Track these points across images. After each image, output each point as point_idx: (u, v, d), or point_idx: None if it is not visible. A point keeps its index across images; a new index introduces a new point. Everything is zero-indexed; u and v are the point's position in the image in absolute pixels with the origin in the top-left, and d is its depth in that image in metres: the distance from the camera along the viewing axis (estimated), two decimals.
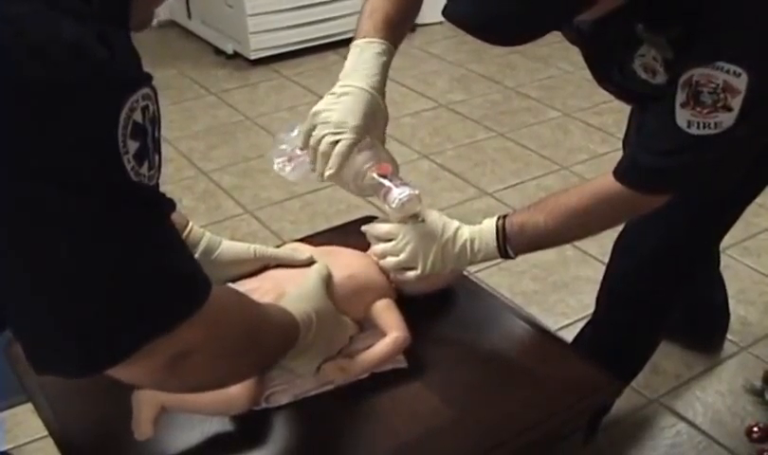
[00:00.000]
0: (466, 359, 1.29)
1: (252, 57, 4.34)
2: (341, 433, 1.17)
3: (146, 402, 1.11)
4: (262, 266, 1.32)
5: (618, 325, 1.80)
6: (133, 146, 0.73)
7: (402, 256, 1.33)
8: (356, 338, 1.26)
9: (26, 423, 1.97)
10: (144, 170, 0.75)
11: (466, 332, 1.36)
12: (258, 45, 4.32)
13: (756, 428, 1.94)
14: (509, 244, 1.37)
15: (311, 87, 4.10)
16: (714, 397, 2.18)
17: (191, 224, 1.28)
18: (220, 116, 3.83)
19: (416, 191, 1.31)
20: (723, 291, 2.23)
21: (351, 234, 1.48)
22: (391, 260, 1.34)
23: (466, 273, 1.45)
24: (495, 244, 1.37)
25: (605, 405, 1.83)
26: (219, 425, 1.16)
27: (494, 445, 1.14)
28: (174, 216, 1.23)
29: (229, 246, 1.31)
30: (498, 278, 2.55)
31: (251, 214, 3.01)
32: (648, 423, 2.10)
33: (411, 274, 1.34)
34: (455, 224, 1.39)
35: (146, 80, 0.76)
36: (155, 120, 0.77)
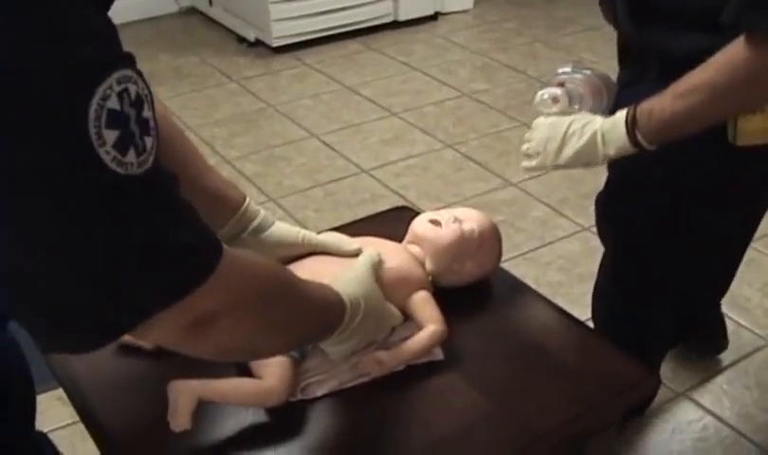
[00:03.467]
0: (503, 352, 1.28)
1: (275, 44, 4.34)
2: (377, 425, 1.16)
3: (183, 393, 1.10)
4: (307, 252, 1.31)
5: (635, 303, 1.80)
6: (111, 136, 0.69)
7: (526, 145, 1.44)
8: (397, 330, 1.25)
9: (49, 411, 1.98)
10: (131, 157, 0.71)
11: (502, 325, 1.35)
12: (280, 33, 4.32)
13: None
14: (639, 130, 1.32)
15: (333, 75, 4.10)
16: (741, 391, 2.17)
17: (248, 200, 1.28)
18: (242, 103, 3.83)
19: (551, 91, 1.43)
20: (719, 295, 2.17)
21: (384, 225, 1.47)
22: (522, 146, 1.46)
23: (501, 265, 1.44)
24: (625, 132, 1.32)
25: (646, 399, 1.83)
26: (255, 416, 1.16)
27: (531, 440, 1.13)
28: (232, 191, 1.26)
29: (280, 228, 1.30)
30: (524, 268, 2.54)
31: (275, 202, 3.01)
32: (675, 416, 2.09)
33: (526, 163, 1.46)
34: (590, 119, 1.38)
35: (120, 61, 0.71)
36: (141, 101, 0.73)
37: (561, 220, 2.88)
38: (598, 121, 1.37)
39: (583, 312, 2.38)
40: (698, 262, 1.73)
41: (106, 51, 0.71)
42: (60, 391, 1.31)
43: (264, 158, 3.32)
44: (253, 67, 4.23)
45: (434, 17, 4.79)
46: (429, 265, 1.34)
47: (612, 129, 1.34)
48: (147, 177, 0.74)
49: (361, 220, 1.69)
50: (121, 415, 1.20)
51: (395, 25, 4.65)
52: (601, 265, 1.84)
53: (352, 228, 1.46)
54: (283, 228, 1.32)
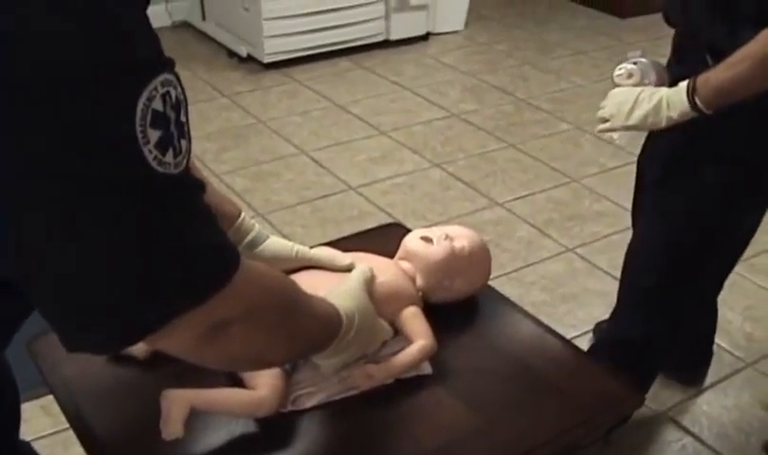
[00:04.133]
0: (491, 369, 1.30)
1: (266, 61, 4.37)
2: (365, 438, 1.17)
3: (176, 402, 1.12)
4: (300, 267, 1.33)
5: (637, 323, 1.86)
6: (154, 135, 0.72)
7: (601, 111, 1.64)
8: (388, 344, 1.27)
9: (32, 420, 1.98)
10: (169, 158, 0.74)
11: (490, 341, 1.37)
12: (272, 49, 4.35)
13: None
14: (698, 96, 1.51)
15: (323, 92, 4.13)
16: (720, 412, 2.21)
17: (243, 215, 1.30)
18: (233, 118, 3.86)
19: (625, 68, 1.65)
20: (713, 327, 2.25)
21: (375, 241, 1.49)
22: (598, 113, 1.67)
23: (489, 283, 1.47)
24: (686, 97, 1.52)
25: (626, 417, 1.87)
26: (245, 426, 1.17)
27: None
28: (227, 205, 1.28)
29: (273, 243, 1.33)
30: (508, 288, 2.57)
31: (263, 217, 3.03)
32: (655, 436, 2.12)
33: (600, 126, 1.65)
34: (658, 89, 1.59)
35: (165, 64, 0.74)
36: (179, 105, 0.75)
37: (546, 241, 2.91)
38: (664, 90, 1.58)
39: (566, 332, 2.41)
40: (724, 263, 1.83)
41: (153, 53, 0.74)
42: (42, 401, 1.32)
43: (252, 174, 3.34)
44: (244, 83, 4.26)
45: (425, 37, 4.83)
46: (419, 281, 1.36)
47: (675, 95, 1.54)
48: (181, 179, 0.76)
49: (353, 236, 1.71)
50: (113, 423, 1.21)
51: (386, 44, 4.69)
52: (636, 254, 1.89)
53: (343, 244, 1.48)
54: (277, 243, 1.34)
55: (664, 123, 1.57)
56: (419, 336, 1.27)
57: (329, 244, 1.49)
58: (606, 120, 1.65)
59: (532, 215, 3.06)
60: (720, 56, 1.51)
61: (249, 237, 1.31)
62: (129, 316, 0.79)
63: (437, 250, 1.37)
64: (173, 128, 0.74)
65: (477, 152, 3.54)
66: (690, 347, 2.22)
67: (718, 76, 1.50)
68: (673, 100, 1.55)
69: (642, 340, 1.84)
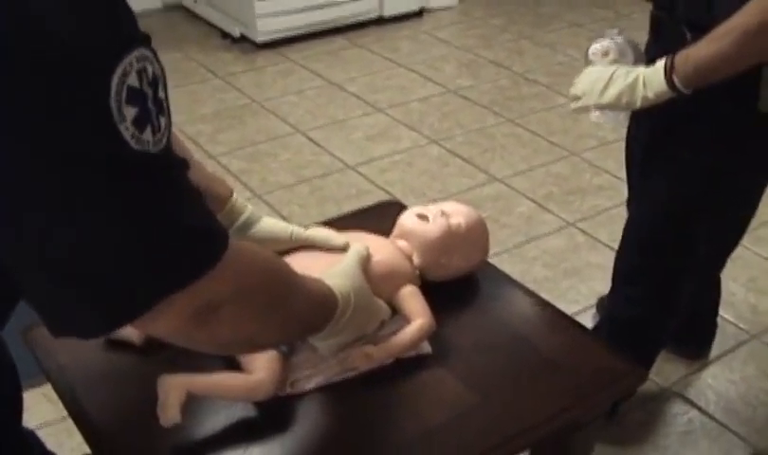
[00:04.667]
0: (491, 346, 1.28)
1: (259, 40, 4.33)
2: (366, 419, 1.16)
3: (173, 387, 1.10)
4: (295, 247, 1.31)
5: (630, 302, 1.84)
6: (131, 112, 0.69)
7: (574, 88, 1.60)
8: (386, 324, 1.25)
9: (35, 407, 1.97)
10: (147, 135, 0.71)
11: (490, 319, 1.35)
12: (265, 28, 4.31)
13: None
14: (676, 74, 1.45)
15: (318, 71, 4.09)
16: (726, 385, 2.19)
17: (234, 195, 1.28)
18: (227, 99, 3.82)
19: (601, 45, 1.60)
20: (716, 302, 2.23)
21: (372, 219, 1.47)
22: (570, 90, 1.62)
23: (489, 259, 1.45)
24: (663, 75, 1.46)
25: (630, 392, 1.85)
26: (244, 411, 1.16)
27: (518, 432, 1.14)
28: (218, 186, 1.25)
29: (268, 224, 1.31)
30: (509, 265, 2.54)
31: (260, 198, 3.00)
32: (660, 410, 2.11)
33: (573, 104, 1.61)
34: (634, 68, 1.53)
35: (139, 39, 0.71)
36: (157, 81, 0.73)
37: (546, 215, 2.89)
38: (641, 68, 1.51)
39: (568, 307, 2.40)
40: (718, 239, 1.78)
41: (127, 28, 0.71)
42: (45, 389, 1.30)
43: (249, 154, 3.31)
44: (238, 63, 4.22)
45: (419, 13, 4.79)
46: (416, 260, 1.34)
47: (653, 73, 1.48)
48: (161, 157, 0.74)
49: (349, 215, 1.69)
50: (110, 409, 1.19)
51: (380, 21, 4.65)
52: (629, 233, 1.86)
53: (340, 223, 1.46)
54: (271, 223, 1.32)
55: (639, 103, 1.51)
56: (417, 314, 1.25)
57: (326, 223, 1.47)
58: (579, 98, 1.60)
59: (532, 190, 3.04)
60: (699, 31, 1.45)
61: (242, 218, 1.28)
62: (114, 298, 0.77)
63: (433, 228, 1.34)
64: (151, 105, 0.72)
65: (475, 127, 3.51)
66: (694, 321, 2.20)
67: (699, 52, 1.43)
68: (650, 79, 1.49)
69: (634, 320, 1.83)
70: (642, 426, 2.06)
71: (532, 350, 1.29)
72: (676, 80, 1.45)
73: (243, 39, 4.43)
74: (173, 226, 0.78)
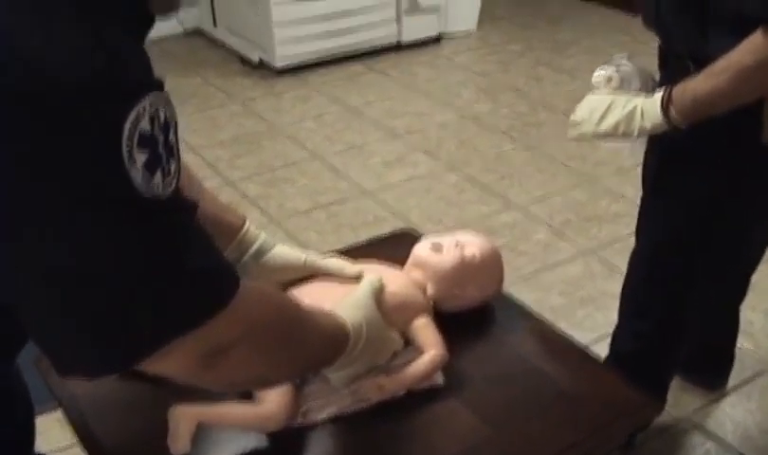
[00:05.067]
0: (504, 377, 1.28)
1: (278, 66, 4.35)
2: (378, 451, 1.16)
3: (183, 416, 1.10)
4: (309, 276, 1.31)
5: (637, 336, 1.82)
6: (141, 157, 0.70)
7: (573, 115, 1.59)
8: (399, 355, 1.25)
9: (47, 432, 1.97)
10: (157, 179, 0.72)
11: (503, 350, 1.35)
12: (284, 54, 4.34)
13: None
14: (673, 106, 1.45)
15: (337, 97, 4.11)
16: (744, 415, 2.16)
17: (247, 224, 1.28)
18: (246, 124, 3.84)
19: (605, 72, 1.58)
20: (734, 332, 2.20)
21: (387, 249, 1.47)
22: (570, 117, 1.61)
23: (505, 288, 1.44)
24: (660, 107, 1.46)
25: (646, 423, 1.84)
26: (255, 441, 1.16)
27: None
28: (230, 215, 1.26)
29: (281, 252, 1.30)
30: (526, 293, 2.53)
31: (277, 224, 3.01)
32: (678, 441, 2.08)
33: (571, 131, 1.61)
34: (634, 97, 1.52)
35: (153, 85, 0.73)
36: (168, 126, 0.74)
37: (563, 243, 2.88)
38: (640, 99, 1.50)
39: (584, 335, 2.39)
40: (727, 271, 1.76)
41: (141, 73, 0.73)
42: (59, 414, 1.31)
43: (266, 180, 3.32)
44: (257, 88, 4.25)
45: (437, 39, 4.80)
46: (430, 290, 1.33)
47: (650, 104, 1.48)
48: (171, 201, 0.75)
49: (364, 244, 1.69)
50: (120, 437, 1.19)
51: (399, 47, 4.67)
52: (634, 266, 1.85)
53: (355, 252, 1.46)
54: (284, 252, 1.31)
55: (636, 133, 1.51)
56: (430, 346, 1.25)
57: (341, 252, 1.47)
58: (578, 125, 1.60)
59: (549, 217, 3.03)
60: (700, 62, 1.44)
61: (255, 246, 1.28)
62: (123, 339, 0.77)
63: (447, 259, 1.34)
64: (162, 149, 0.73)
65: (492, 153, 3.51)
66: (711, 351, 2.18)
67: (696, 87, 1.42)
68: (648, 110, 1.48)
69: (641, 353, 1.81)
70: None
71: (546, 381, 1.28)
72: (673, 112, 1.45)
73: (262, 65, 4.46)
74: (181, 269, 0.78)
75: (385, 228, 2.85)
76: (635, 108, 1.50)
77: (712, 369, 2.23)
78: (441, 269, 1.33)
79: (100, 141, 0.69)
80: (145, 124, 0.70)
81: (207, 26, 4.92)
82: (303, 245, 2.86)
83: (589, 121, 1.56)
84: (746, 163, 1.53)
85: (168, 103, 0.75)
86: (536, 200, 3.14)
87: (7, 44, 0.65)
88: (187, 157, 3.42)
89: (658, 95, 1.47)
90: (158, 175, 0.72)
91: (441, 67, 4.46)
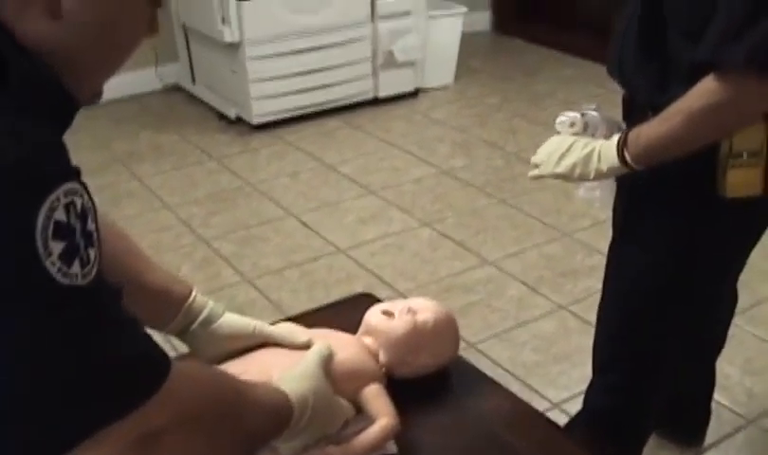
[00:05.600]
0: (460, 446, 1.26)
1: (255, 122, 4.36)
2: None
3: None
4: (259, 344, 1.29)
5: (609, 391, 1.79)
6: (57, 247, 0.71)
7: (534, 157, 1.62)
8: (347, 424, 1.22)
9: None
10: (75, 269, 0.72)
11: (459, 416, 1.32)
12: (260, 111, 4.35)
13: None
14: (627, 150, 1.46)
15: (313, 153, 4.11)
16: None
17: (194, 292, 1.26)
18: (221, 181, 3.84)
19: (567, 118, 1.59)
20: (710, 386, 2.19)
21: (345, 313, 1.45)
22: (531, 158, 1.64)
23: (461, 352, 1.42)
24: (616, 151, 1.47)
25: None
26: None
27: None
28: (177, 285, 1.25)
29: (230, 320, 1.28)
30: (499, 349, 2.51)
31: (250, 283, 2.98)
32: None
33: (531, 172, 1.64)
34: (594, 140, 1.55)
35: (68, 174, 0.73)
36: (86, 214, 0.74)
37: (538, 298, 2.86)
38: (599, 142, 1.53)
39: (558, 393, 2.36)
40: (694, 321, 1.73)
41: (56, 163, 0.73)
42: None
43: (240, 238, 3.31)
44: (233, 145, 4.25)
45: (415, 93, 4.82)
46: (382, 357, 1.31)
47: (607, 148, 1.50)
48: (91, 290, 0.75)
49: (322, 307, 1.66)
50: None
51: (376, 101, 4.69)
52: (601, 315, 1.82)
53: (311, 317, 1.44)
54: (233, 320, 1.29)
55: (592, 175, 1.53)
56: (381, 414, 1.22)
57: (295, 318, 1.45)
58: (537, 167, 1.61)
59: (523, 272, 3.01)
60: (660, 111, 1.45)
61: (203, 315, 1.26)
62: (47, 429, 0.76)
63: (398, 325, 1.32)
64: (80, 237, 0.73)
65: (467, 209, 3.51)
66: (687, 407, 2.16)
67: (649, 131, 1.44)
68: (605, 153, 1.50)
69: (614, 408, 1.78)
70: None
71: (502, 450, 1.25)
72: (627, 156, 1.46)
73: (239, 120, 4.47)
74: (103, 357, 0.77)
75: (358, 287, 2.83)
76: (593, 151, 1.52)
77: (688, 424, 2.21)
78: (392, 336, 1.31)
79: (12, 234, 0.69)
80: (60, 214, 0.71)
81: (185, 82, 4.94)
82: (276, 304, 2.83)
83: (548, 163, 1.58)
84: (703, 212, 1.53)
85: (84, 191, 0.75)
86: (510, 255, 3.13)
87: None
88: (162, 215, 3.43)
89: (615, 138, 1.49)
90: (76, 264, 0.72)
91: (417, 122, 4.48)
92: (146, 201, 3.62)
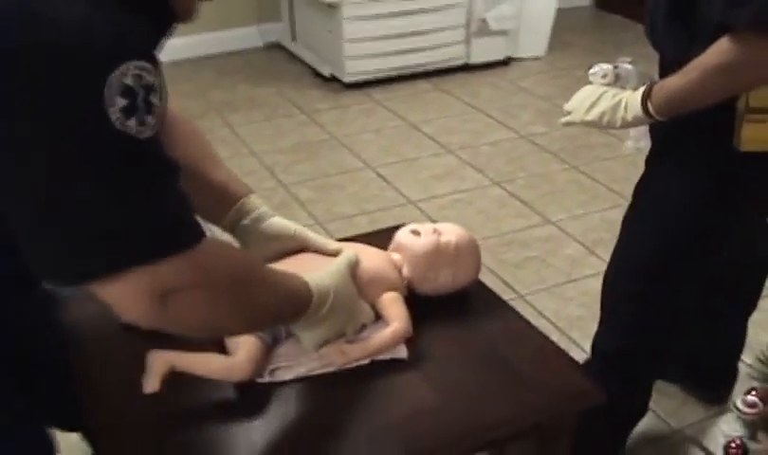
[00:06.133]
0: (465, 357, 1.38)
1: (347, 80, 4.53)
2: (332, 409, 1.27)
3: (157, 360, 1.26)
4: (298, 248, 1.44)
5: (622, 333, 1.87)
6: (120, 102, 0.89)
7: (566, 104, 1.73)
8: (367, 327, 1.38)
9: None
10: (132, 123, 0.90)
11: (470, 332, 1.44)
12: (353, 70, 4.52)
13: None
14: (650, 101, 1.55)
15: (399, 112, 4.26)
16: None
17: (250, 195, 1.43)
18: (308, 134, 4.03)
19: (604, 66, 1.70)
20: (738, 346, 2.23)
21: (385, 239, 1.57)
22: (564, 105, 1.75)
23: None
24: (640, 101, 1.56)
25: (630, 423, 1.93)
26: (225, 392, 1.29)
27: (469, 432, 1.24)
28: (236, 184, 1.43)
29: (276, 221, 1.44)
30: (546, 302, 2.62)
31: (322, 226, 3.17)
32: (669, 452, 2.13)
33: (563, 118, 1.73)
34: (623, 91, 1.63)
35: (146, 56, 0.92)
36: (151, 88, 0.92)
37: (592, 259, 2.95)
38: (628, 93, 1.61)
39: None
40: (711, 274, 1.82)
41: (137, 44, 0.93)
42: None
43: (318, 185, 3.49)
44: (324, 101, 4.43)
45: (506, 62, 4.90)
46: (406, 271, 1.45)
47: (633, 98, 1.58)
48: (142, 144, 0.93)
49: (371, 233, 1.80)
50: (108, 375, 1.35)
51: (467, 67, 4.79)
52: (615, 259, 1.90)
53: (359, 239, 1.59)
54: (280, 222, 1.44)
55: (619, 124, 1.61)
56: (394, 319, 1.36)
57: (347, 239, 1.59)
58: (569, 114, 1.71)
59: (583, 234, 3.10)
60: None
61: (254, 214, 1.42)
62: (82, 256, 0.94)
63: (423, 242, 1.46)
64: (140, 102, 0.92)
65: (538, 172, 3.61)
66: (713, 364, 2.23)
67: (671, 84, 1.52)
68: (631, 103, 1.58)
69: (625, 351, 1.85)
70: None
71: (504, 363, 1.37)
72: (650, 107, 1.55)
73: (333, 79, 4.65)
74: (139, 205, 0.95)
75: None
76: (621, 101, 1.60)
77: (714, 382, 2.27)
78: (416, 252, 1.45)
79: (89, 81, 0.88)
80: (128, 79, 0.90)
81: (286, 41, 5.14)
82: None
83: (578, 110, 1.68)
84: (724, 167, 1.60)
85: (155, 73, 0.94)
86: (573, 217, 3.22)
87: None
88: (247, 160, 3.60)
89: (641, 89, 1.57)
90: (133, 120, 0.91)
91: (504, 89, 4.57)
92: (235, 147, 3.84)
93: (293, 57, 5.04)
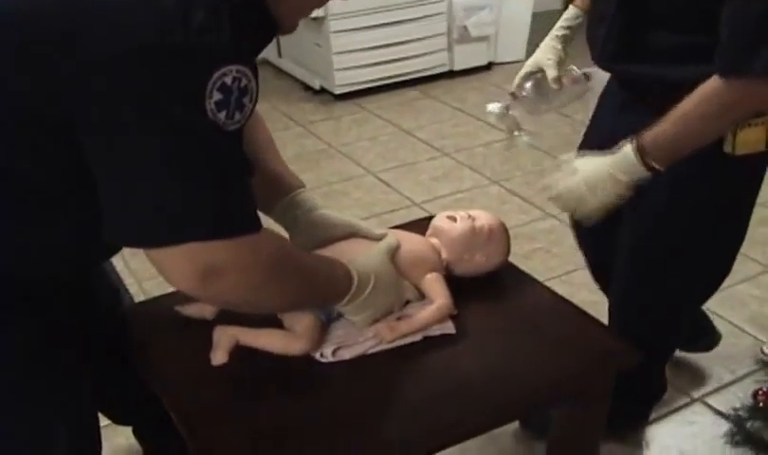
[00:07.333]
0: (505, 329, 1.48)
1: (337, 92, 4.65)
2: (390, 382, 1.36)
3: (224, 334, 1.38)
4: (345, 236, 1.53)
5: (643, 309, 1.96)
6: (216, 96, 1.01)
7: (559, 205, 1.75)
8: (413, 305, 1.48)
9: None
10: (221, 116, 1.03)
11: (508, 307, 1.56)
12: (342, 81, 4.63)
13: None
14: (651, 157, 1.54)
15: (391, 119, 4.37)
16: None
17: (303, 189, 1.56)
18: (306, 144, 4.13)
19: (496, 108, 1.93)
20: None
21: (423, 227, 1.67)
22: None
23: (512, 259, 1.65)
24: (637, 161, 1.54)
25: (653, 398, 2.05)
26: (286, 369, 1.37)
27: (516, 398, 1.35)
28: (291, 177, 1.58)
29: (326, 212, 1.57)
30: (557, 288, 2.67)
31: None
32: (690, 421, 2.24)
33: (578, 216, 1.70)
34: (598, 163, 1.61)
35: (247, 63, 1.04)
36: (245, 91, 1.04)
37: None
38: (605, 167, 1.59)
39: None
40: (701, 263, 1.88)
41: (239, 51, 1.05)
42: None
43: (324, 193, 3.59)
44: (317, 112, 4.54)
45: (488, 67, 5.04)
46: (444, 254, 1.56)
47: (623, 162, 1.56)
48: (226, 135, 1.06)
49: (408, 223, 1.90)
50: (177, 351, 1.44)
51: (451, 74, 4.92)
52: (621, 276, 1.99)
53: (399, 227, 1.69)
54: (327, 212, 1.57)
55: (624, 189, 1.58)
56: (438, 296, 1.47)
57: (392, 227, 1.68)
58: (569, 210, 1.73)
59: None
60: (663, 87, 1.58)
61: (307, 205, 1.55)
62: (146, 225, 1.07)
63: (459, 227, 1.57)
64: (233, 100, 1.04)
65: (534, 169, 3.72)
66: (707, 327, 2.35)
67: (666, 133, 1.53)
68: (624, 167, 1.56)
69: (650, 321, 1.94)
70: (670, 434, 2.19)
71: (540, 332, 1.48)
72: (652, 161, 1.54)
73: (322, 91, 4.76)
74: (211, 186, 1.07)
75: None
76: (605, 175, 1.58)
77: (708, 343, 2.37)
78: (453, 235, 1.56)
79: (197, 74, 1.01)
80: (228, 79, 1.02)
81: (272, 57, 5.24)
82: None
83: (580, 209, 1.67)
84: (714, 168, 1.66)
85: (253, 79, 1.06)
86: None
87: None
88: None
89: (628, 150, 1.55)
90: (223, 114, 1.04)
91: (490, 93, 4.69)
92: None
93: (280, 72, 5.14)
